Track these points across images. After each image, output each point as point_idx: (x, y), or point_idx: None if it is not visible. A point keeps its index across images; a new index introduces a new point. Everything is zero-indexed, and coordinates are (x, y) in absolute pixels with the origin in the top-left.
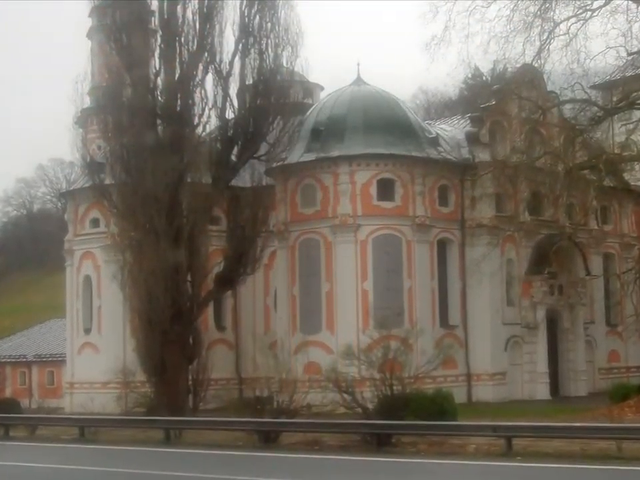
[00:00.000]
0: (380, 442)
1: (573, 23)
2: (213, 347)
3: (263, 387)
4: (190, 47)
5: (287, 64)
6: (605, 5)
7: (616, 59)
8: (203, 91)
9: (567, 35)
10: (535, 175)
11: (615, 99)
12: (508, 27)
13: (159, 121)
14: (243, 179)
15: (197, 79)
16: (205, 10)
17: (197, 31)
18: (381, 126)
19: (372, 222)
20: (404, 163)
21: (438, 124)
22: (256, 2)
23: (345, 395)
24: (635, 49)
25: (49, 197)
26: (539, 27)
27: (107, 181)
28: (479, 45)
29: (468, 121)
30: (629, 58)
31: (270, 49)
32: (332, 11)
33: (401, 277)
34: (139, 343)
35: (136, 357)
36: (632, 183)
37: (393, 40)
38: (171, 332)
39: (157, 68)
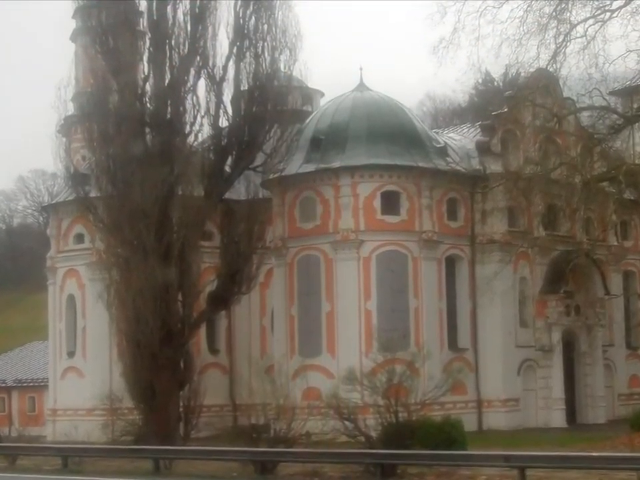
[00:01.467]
0: (384, 473)
1: (590, 25)
2: (206, 371)
3: (259, 414)
4: (181, 50)
5: (284, 68)
6: (624, 5)
7: (637, 63)
8: (194, 98)
9: (585, 38)
10: (550, 188)
11: (635, 105)
12: (521, 28)
13: (147, 130)
14: (238, 192)
15: (189, 85)
16: (196, 10)
17: (189, 33)
18: (385, 135)
19: (376, 237)
20: (410, 175)
21: (446, 133)
22: (251, 2)
23: (347, 423)
24: None
25: (29, 211)
26: (554, 29)
27: (92, 194)
28: (490, 48)
29: (478, 130)
30: None
31: (266, 53)
32: (333, 11)
33: (407, 296)
34: (126, 367)
35: (123, 382)
36: None
37: (398, 43)
38: (160, 355)
39: (146, 73)
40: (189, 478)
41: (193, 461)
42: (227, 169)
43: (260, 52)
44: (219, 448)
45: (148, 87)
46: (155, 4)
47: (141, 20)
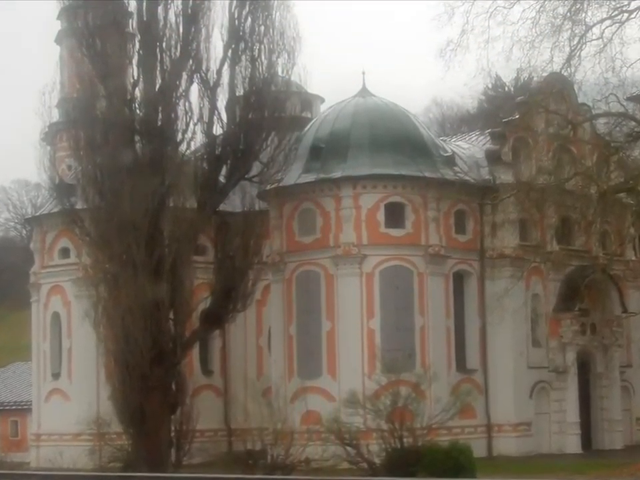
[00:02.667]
0: None
1: (607, 26)
2: (199, 393)
3: (256, 439)
4: (172, 53)
5: (282, 72)
6: None
7: None
8: (187, 103)
9: (601, 40)
10: (564, 199)
11: None
12: (533, 30)
13: (137, 138)
14: (233, 203)
15: (181, 90)
16: (189, 11)
17: (181, 35)
18: (389, 143)
19: (379, 252)
20: (415, 185)
21: (454, 141)
22: (247, 2)
23: (349, 448)
24: None
25: (12, 224)
26: (569, 31)
27: (79, 206)
28: (500, 51)
29: (488, 138)
30: None
31: (263, 56)
32: (334, 12)
33: (412, 314)
34: (114, 389)
35: (111, 405)
36: None
37: (403, 45)
38: (151, 377)
39: (135, 77)
40: None
41: None
42: (222, 179)
43: (256, 55)
44: (213, 475)
45: (137, 92)
46: (144, 4)
47: (130, 21)
